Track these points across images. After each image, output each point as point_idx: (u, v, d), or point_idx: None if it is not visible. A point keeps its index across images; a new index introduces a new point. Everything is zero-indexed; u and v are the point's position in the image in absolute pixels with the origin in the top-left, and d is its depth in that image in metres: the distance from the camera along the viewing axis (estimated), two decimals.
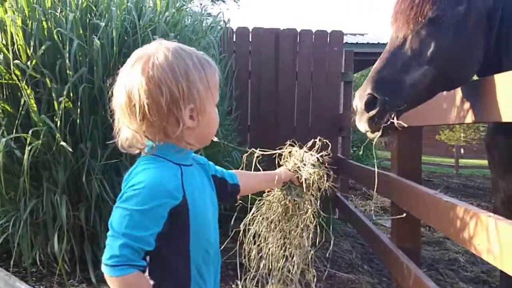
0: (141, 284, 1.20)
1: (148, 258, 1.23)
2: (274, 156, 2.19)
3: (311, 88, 6.07)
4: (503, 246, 1.84)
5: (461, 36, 1.94)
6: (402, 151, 3.44)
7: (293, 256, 2.15)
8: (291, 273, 2.14)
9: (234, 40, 5.87)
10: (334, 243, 4.98)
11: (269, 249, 2.14)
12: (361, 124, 1.93)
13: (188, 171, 1.33)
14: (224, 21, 4.96)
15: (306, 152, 2.13)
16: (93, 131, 3.13)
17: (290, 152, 2.17)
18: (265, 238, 2.14)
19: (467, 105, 2.19)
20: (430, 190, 2.76)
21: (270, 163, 2.19)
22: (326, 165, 2.15)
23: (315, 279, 2.24)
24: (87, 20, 3.28)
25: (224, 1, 39.57)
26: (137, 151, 1.31)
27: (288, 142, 2.21)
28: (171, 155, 1.29)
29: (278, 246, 2.14)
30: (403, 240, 3.42)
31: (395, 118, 1.88)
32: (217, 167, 1.67)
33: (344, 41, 6.14)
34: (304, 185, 2.00)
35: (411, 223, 3.33)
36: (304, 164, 2.04)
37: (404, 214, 3.05)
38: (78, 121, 3.10)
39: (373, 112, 1.85)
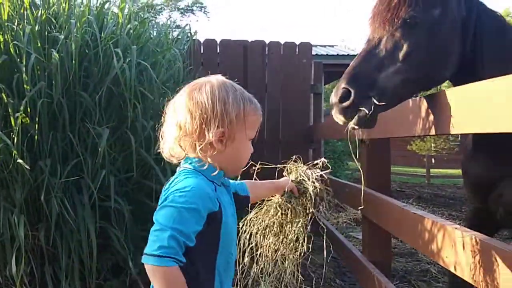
0: (181, 279, 1.30)
1: None
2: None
3: (280, 100, 6.04)
4: (470, 259, 1.82)
5: (434, 38, 1.98)
6: (371, 163, 3.43)
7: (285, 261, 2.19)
8: (282, 277, 2.18)
9: (202, 52, 5.81)
10: (305, 257, 4.92)
11: (263, 251, 2.17)
12: (337, 115, 1.97)
13: (219, 189, 1.51)
14: (190, 33, 4.89)
15: (310, 168, 2.20)
16: (52, 148, 3.01)
17: (294, 166, 2.24)
18: (260, 240, 2.17)
19: (431, 116, 2.19)
20: (399, 203, 2.74)
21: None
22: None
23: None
24: (46, 33, 3.17)
25: (193, 13, 39.75)
26: (175, 162, 1.53)
27: (294, 157, 2.25)
28: (206, 172, 1.47)
29: (272, 249, 2.17)
30: (374, 253, 3.39)
31: (371, 109, 1.90)
32: (231, 181, 1.75)
33: (314, 53, 6.16)
34: (309, 196, 2.08)
35: (382, 235, 3.31)
36: (308, 178, 2.11)
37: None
38: (36, 137, 2.97)
39: (347, 103, 1.90)
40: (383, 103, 1.94)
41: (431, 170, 17.28)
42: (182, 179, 1.42)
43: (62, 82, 2.96)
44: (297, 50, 6.05)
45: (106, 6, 3.50)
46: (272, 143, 5.92)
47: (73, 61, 2.91)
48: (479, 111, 1.76)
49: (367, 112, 1.90)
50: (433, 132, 2.24)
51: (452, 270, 1.98)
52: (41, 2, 3.28)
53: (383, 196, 2.97)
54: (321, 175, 2.17)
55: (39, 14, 3.19)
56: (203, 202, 1.37)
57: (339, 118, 1.98)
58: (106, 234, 3.19)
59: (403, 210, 2.51)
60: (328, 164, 2.20)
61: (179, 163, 1.55)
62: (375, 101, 1.90)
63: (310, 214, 2.16)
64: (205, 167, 1.47)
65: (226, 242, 1.47)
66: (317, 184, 2.12)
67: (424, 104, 2.26)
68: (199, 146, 1.43)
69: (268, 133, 6.01)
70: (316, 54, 9.39)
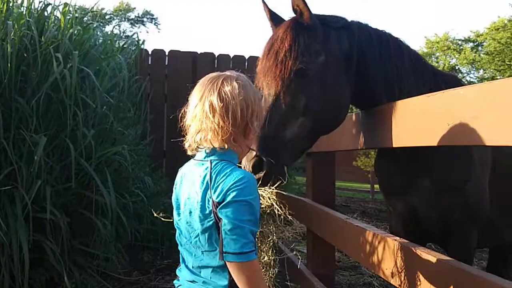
0: (261, 270, 1.46)
1: None
2: None
3: None
4: (410, 269, 1.85)
5: (325, 85, 2.04)
6: (315, 177, 3.45)
7: None
8: None
9: (150, 62, 5.72)
10: None
11: None
12: None
13: None
14: (138, 42, 4.80)
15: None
16: None
17: None
18: None
19: (373, 130, 2.24)
20: (342, 215, 2.76)
21: None
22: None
23: None
24: None
25: (144, 24, 39.24)
26: (194, 153, 1.55)
27: None
28: (234, 160, 1.54)
29: None
30: (318, 266, 3.40)
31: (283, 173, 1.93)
32: None
33: None
34: (264, 215, 2.04)
35: (326, 248, 3.32)
36: (263, 197, 2.06)
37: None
38: None
39: (260, 175, 1.88)
40: (293, 159, 2.03)
41: (375, 185, 17.72)
42: (229, 171, 1.45)
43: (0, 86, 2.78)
44: (246, 63, 6.07)
45: (49, 9, 3.36)
46: None
47: (9, 64, 2.75)
48: (417, 125, 1.83)
49: (282, 178, 1.92)
50: (375, 145, 2.30)
51: (391, 281, 2.00)
52: None
53: (327, 209, 2.98)
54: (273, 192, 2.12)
55: None
56: (256, 189, 1.48)
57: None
58: (41, 248, 3.02)
59: (346, 222, 2.52)
60: (285, 178, 2.16)
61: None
62: (285, 168, 1.93)
63: (274, 234, 2.14)
64: (234, 157, 1.54)
65: None
66: (272, 201, 2.07)
67: (366, 118, 2.32)
68: (244, 137, 1.51)
69: None
70: None
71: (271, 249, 2.18)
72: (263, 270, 2.13)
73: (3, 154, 2.88)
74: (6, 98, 2.88)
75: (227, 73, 1.58)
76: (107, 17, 36.51)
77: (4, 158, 2.88)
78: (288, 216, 2.16)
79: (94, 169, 3.08)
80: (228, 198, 1.40)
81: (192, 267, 1.54)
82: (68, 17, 3.30)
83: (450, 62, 22.24)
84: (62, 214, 2.99)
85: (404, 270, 1.89)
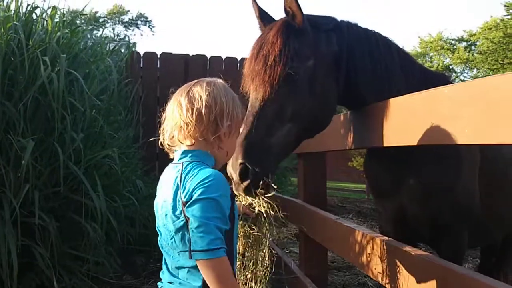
0: (229, 265, 1.42)
1: None
2: None
3: None
4: (397, 268, 1.85)
5: (315, 88, 2.02)
6: (307, 177, 3.44)
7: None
8: None
9: (141, 65, 5.71)
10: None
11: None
12: (240, 192, 1.91)
13: None
14: (128, 44, 4.78)
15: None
16: None
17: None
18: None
19: (360, 131, 2.24)
20: (332, 216, 2.75)
21: None
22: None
23: None
24: None
25: (138, 27, 39.18)
26: (172, 153, 1.59)
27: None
28: (207, 161, 1.55)
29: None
30: (311, 267, 3.39)
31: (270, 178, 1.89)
32: None
33: None
34: (258, 217, 2.02)
35: (318, 249, 3.31)
36: (253, 203, 2.03)
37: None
38: None
39: (246, 183, 1.85)
40: (275, 167, 1.98)
41: None
42: (197, 172, 1.47)
43: None
44: (238, 64, 6.07)
45: (38, 13, 3.34)
46: None
47: None
48: (402, 124, 1.83)
49: (269, 183, 1.89)
50: (363, 145, 2.30)
51: (379, 280, 1.99)
52: None
53: (317, 209, 2.98)
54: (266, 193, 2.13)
55: None
56: (227, 187, 1.49)
57: (244, 195, 1.92)
58: (30, 253, 2.99)
59: (336, 222, 2.52)
60: (271, 183, 2.12)
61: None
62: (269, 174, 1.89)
63: (268, 234, 2.13)
64: (201, 156, 1.54)
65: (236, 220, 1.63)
66: (264, 204, 2.03)
67: (355, 118, 2.31)
68: (211, 136, 1.52)
69: None
70: None
71: (264, 250, 2.17)
72: (258, 271, 2.14)
73: None
74: None
75: (206, 78, 1.63)
76: (101, 20, 36.54)
77: None
78: (282, 217, 2.15)
79: (83, 173, 3.06)
80: (194, 196, 1.42)
81: (171, 268, 1.55)
82: (56, 20, 3.28)
83: (444, 61, 22.36)
84: (51, 219, 2.97)
85: (391, 269, 1.89)
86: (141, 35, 38.87)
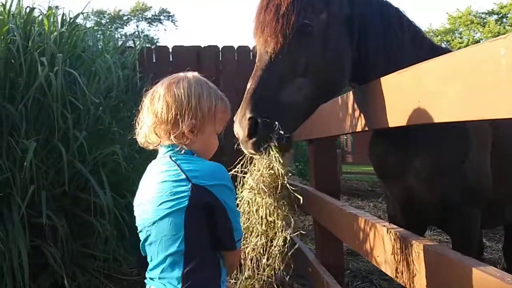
0: None
1: None
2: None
3: (236, 106, 5.95)
4: (395, 255, 1.76)
5: (328, 44, 1.89)
6: (317, 164, 3.36)
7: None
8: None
9: (154, 60, 5.71)
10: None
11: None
12: (249, 150, 1.85)
13: None
14: (136, 40, 4.77)
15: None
16: None
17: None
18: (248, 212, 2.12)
19: (363, 112, 2.12)
20: (338, 202, 2.68)
21: None
22: None
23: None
24: None
25: (161, 22, 39.53)
26: (151, 148, 1.61)
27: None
28: (191, 153, 1.58)
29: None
30: (326, 255, 3.32)
31: (278, 133, 1.79)
32: None
33: None
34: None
35: (334, 238, 3.24)
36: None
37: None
38: None
39: (255, 138, 1.77)
40: (291, 125, 1.88)
41: None
42: (198, 160, 1.55)
43: None
44: (251, 54, 5.99)
45: (37, 14, 3.35)
46: (230, 149, 5.81)
47: None
48: (394, 103, 1.73)
49: (276, 142, 1.81)
50: (368, 127, 2.17)
51: (383, 268, 1.92)
52: None
53: (324, 195, 2.90)
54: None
55: None
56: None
57: (251, 153, 1.87)
58: (42, 253, 3.03)
59: (341, 209, 2.44)
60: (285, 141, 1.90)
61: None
62: (281, 131, 1.79)
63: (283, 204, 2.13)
64: (183, 152, 1.56)
65: None
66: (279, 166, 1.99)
67: (359, 97, 2.15)
68: (173, 134, 1.53)
69: (225, 138, 5.90)
70: None
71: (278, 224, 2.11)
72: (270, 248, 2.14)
73: None
74: None
75: (173, 76, 1.64)
76: (124, 18, 37.02)
77: None
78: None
79: (90, 171, 3.06)
80: (216, 181, 1.49)
81: (153, 267, 1.56)
82: (53, 20, 3.28)
83: (474, 36, 21.63)
84: (61, 218, 3.00)
85: (393, 257, 1.80)
86: (165, 30, 39.15)
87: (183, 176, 1.48)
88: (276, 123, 1.78)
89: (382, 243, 1.90)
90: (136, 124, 1.64)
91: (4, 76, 2.86)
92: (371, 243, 2.05)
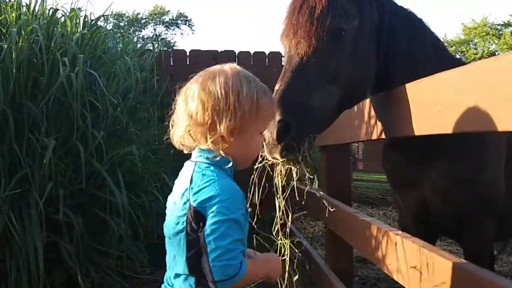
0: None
1: None
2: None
3: None
4: (408, 264, 1.77)
5: (358, 50, 1.88)
6: (329, 170, 3.37)
7: None
8: None
9: (172, 63, 5.78)
10: None
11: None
12: (274, 155, 1.74)
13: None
14: (155, 43, 4.85)
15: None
16: None
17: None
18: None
19: (381, 120, 2.12)
20: (350, 209, 2.69)
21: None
22: None
23: None
24: None
25: (178, 27, 39.86)
26: (186, 151, 1.48)
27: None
28: (220, 163, 1.41)
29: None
30: (337, 261, 3.33)
31: (309, 142, 1.75)
32: None
33: (282, 64, 6.14)
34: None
35: (344, 244, 3.25)
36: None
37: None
38: None
39: (285, 142, 1.68)
40: (318, 130, 1.83)
41: None
42: (210, 181, 1.35)
43: (5, 93, 2.85)
44: (266, 59, 6.04)
45: (59, 15, 3.44)
46: None
47: (14, 71, 2.82)
48: (412, 112, 1.74)
49: (307, 149, 1.74)
50: (384, 135, 2.17)
51: (394, 277, 1.92)
52: None
53: (336, 202, 2.91)
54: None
55: None
56: (243, 200, 1.39)
57: (275, 158, 1.76)
58: (58, 249, 3.10)
59: (353, 216, 2.45)
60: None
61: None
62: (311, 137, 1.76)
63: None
64: (217, 158, 1.40)
65: None
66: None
67: (378, 104, 2.15)
68: (210, 138, 1.38)
69: None
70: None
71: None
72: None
73: (17, 158, 2.96)
74: (18, 104, 2.97)
75: (210, 69, 1.48)
76: (142, 21, 37.39)
77: (19, 161, 2.97)
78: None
79: (107, 170, 3.12)
80: (212, 215, 1.31)
81: (169, 276, 1.47)
82: (76, 22, 3.36)
83: (489, 48, 21.48)
84: (77, 215, 3.05)
85: (407, 266, 1.82)
86: (181, 34, 39.48)
87: (187, 192, 1.36)
88: (308, 127, 1.75)
89: (395, 252, 1.91)
90: (170, 125, 1.48)
91: (26, 75, 2.94)
92: (383, 251, 2.06)
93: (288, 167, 1.89)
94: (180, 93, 1.47)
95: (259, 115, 1.43)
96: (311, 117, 1.77)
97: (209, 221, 1.30)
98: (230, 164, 1.42)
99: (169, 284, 1.45)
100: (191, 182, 1.36)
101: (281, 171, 1.96)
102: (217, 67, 1.47)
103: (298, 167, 1.84)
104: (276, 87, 1.79)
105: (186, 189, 1.36)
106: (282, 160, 1.77)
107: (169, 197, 1.49)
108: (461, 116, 1.36)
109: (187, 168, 1.45)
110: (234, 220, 1.32)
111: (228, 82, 1.40)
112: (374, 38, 1.95)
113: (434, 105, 1.54)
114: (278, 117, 1.67)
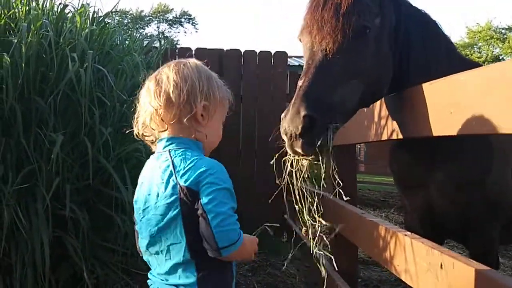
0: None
1: None
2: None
3: (256, 109, 6.00)
4: (418, 265, 1.77)
5: (379, 49, 1.89)
6: (336, 170, 3.37)
7: None
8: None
9: None
10: (277, 267, 4.87)
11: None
12: (296, 149, 1.71)
13: None
14: (160, 41, 4.85)
15: None
16: (5, 154, 2.92)
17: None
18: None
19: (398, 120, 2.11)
20: (357, 210, 2.69)
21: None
22: None
23: None
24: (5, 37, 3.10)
25: (182, 25, 39.85)
26: (148, 140, 1.54)
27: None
28: (194, 146, 1.49)
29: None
30: (341, 262, 3.33)
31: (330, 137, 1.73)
32: None
33: (287, 64, 6.14)
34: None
35: (349, 245, 3.25)
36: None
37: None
38: None
39: (308, 137, 1.66)
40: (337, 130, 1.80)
41: None
42: (195, 160, 1.42)
43: (14, 88, 2.86)
44: (272, 59, 6.04)
45: (67, 10, 3.44)
46: (248, 153, 5.87)
47: (23, 65, 2.82)
48: (424, 113, 1.73)
49: (328, 143, 1.71)
50: (401, 136, 2.16)
51: (402, 278, 1.93)
52: (0, 6, 3.21)
53: (343, 202, 2.90)
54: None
55: None
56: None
57: (297, 153, 1.74)
58: (64, 244, 3.10)
59: (361, 217, 2.45)
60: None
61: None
62: (332, 127, 1.72)
63: None
64: (192, 143, 1.49)
65: None
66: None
67: (390, 105, 2.14)
68: (185, 117, 1.44)
69: (243, 141, 5.96)
70: (289, 65, 9.30)
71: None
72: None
73: (24, 153, 2.96)
74: (26, 98, 2.97)
75: (177, 60, 1.61)
76: (146, 19, 37.41)
77: (26, 156, 2.97)
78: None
79: (113, 167, 3.12)
80: (207, 187, 1.38)
81: (158, 274, 1.48)
82: (84, 18, 3.37)
83: (493, 52, 21.45)
84: (83, 211, 3.06)
85: (416, 267, 1.81)
86: (185, 32, 39.49)
87: (174, 177, 1.40)
88: (333, 124, 1.73)
89: (403, 252, 1.91)
90: (135, 117, 1.56)
91: (35, 70, 2.94)
92: (391, 252, 2.06)
93: (306, 161, 1.88)
94: (149, 79, 1.54)
95: (223, 102, 1.56)
96: (334, 113, 1.76)
97: (205, 192, 1.37)
98: (201, 148, 1.51)
99: (162, 280, 1.45)
100: (174, 167, 1.41)
101: (299, 164, 1.95)
102: (183, 59, 1.59)
103: (317, 161, 1.86)
104: (300, 83, 1.79)
105: (171, 175, 1.41)
106: (303, 154, 1.76)
107: (139, 196, 1.51)
108: (472, 117, 1.37)
109: (156, 160, 1.48)
110: (227, 189, 1.41)
111: (200, 68, 1.53)
112: (392, 38, 1.96)
113: (448, 107, 1.54)
114: (303, 112, 1.65)
